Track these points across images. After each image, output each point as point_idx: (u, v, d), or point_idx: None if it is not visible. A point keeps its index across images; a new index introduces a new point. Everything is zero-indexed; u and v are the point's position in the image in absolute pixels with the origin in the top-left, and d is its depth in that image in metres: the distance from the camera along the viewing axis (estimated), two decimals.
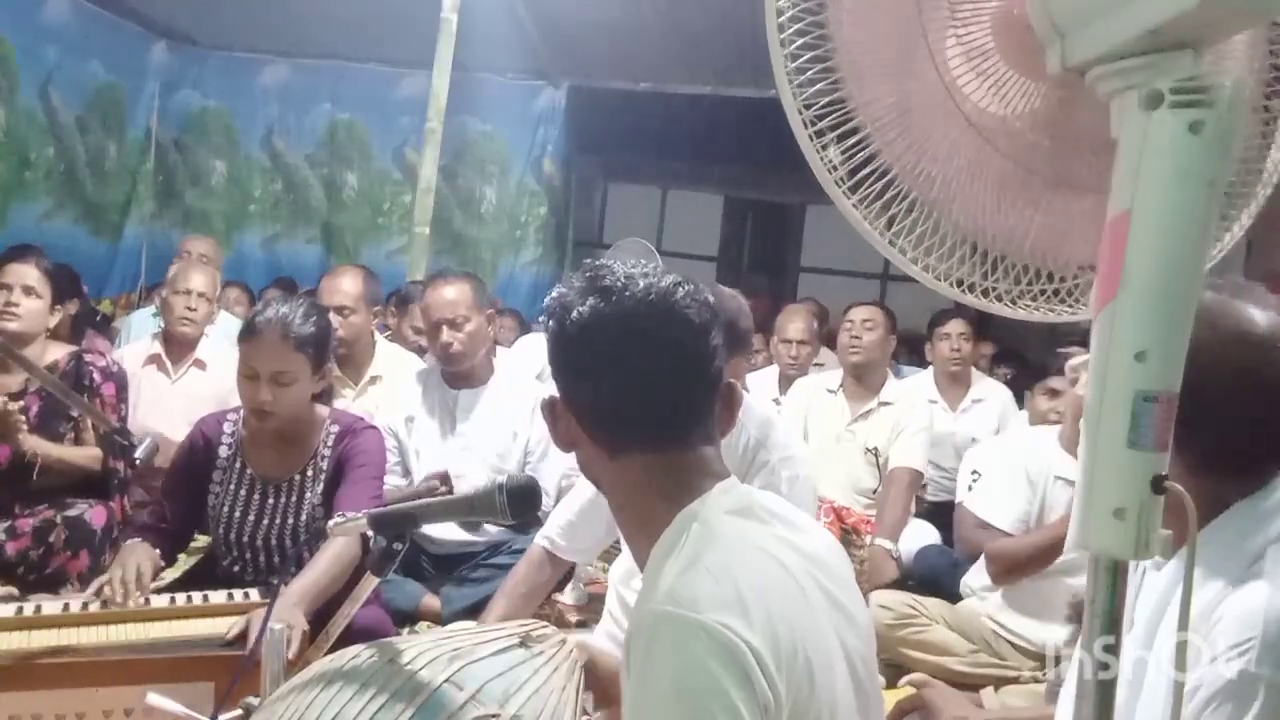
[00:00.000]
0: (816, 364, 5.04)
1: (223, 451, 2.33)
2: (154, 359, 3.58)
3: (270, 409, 2.17)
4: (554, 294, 1.11)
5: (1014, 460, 2.70)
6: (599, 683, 1.33)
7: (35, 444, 2.70)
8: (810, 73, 0.92)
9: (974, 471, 2.97)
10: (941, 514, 3.51)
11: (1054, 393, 3.42)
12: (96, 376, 2.86)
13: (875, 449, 3.61)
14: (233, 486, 2.30)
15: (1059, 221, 0.98)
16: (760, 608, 0.93)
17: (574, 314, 1.05)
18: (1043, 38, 0.86)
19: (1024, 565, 2.52)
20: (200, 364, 3.60)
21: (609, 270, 1.08)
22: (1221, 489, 1.09)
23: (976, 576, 2.77)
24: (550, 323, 1.10)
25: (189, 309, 3.53)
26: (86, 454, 2.83)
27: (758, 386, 4.13)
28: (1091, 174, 0.96)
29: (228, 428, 2.35)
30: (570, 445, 1.12)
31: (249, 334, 2.20)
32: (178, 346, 3.59)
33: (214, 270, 3.83)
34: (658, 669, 0.91)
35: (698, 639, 0.90)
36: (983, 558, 2.66)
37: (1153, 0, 0.75)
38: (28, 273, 2.78)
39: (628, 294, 1.05)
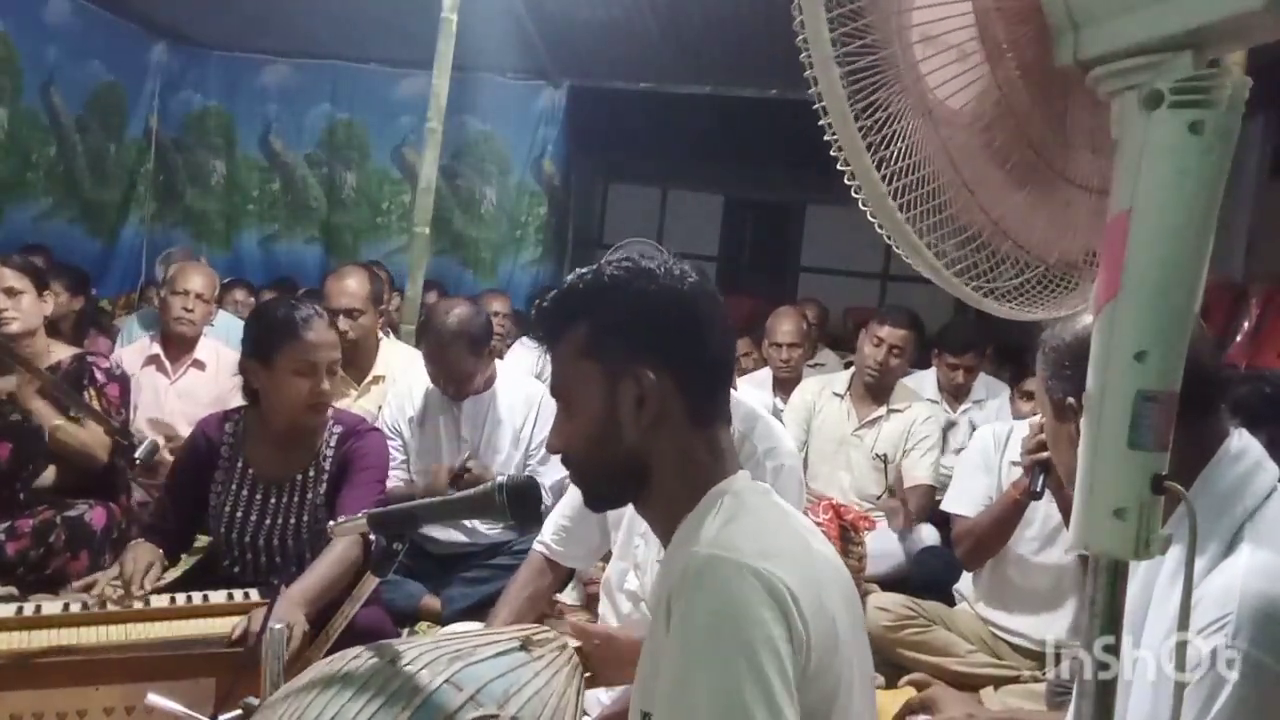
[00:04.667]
0: (817, 364, 5.04)
1: (224, 450, 2.33)
2: (153, 359, 3.58)
3: (327, 399, 2.25)
4: (624, 264, 1.12)
5: (972, 451, 2.76)
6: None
7: (41, 409, 2.69)
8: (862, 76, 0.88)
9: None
10: (943, 516, 3.51)
11: (1030, 395, 3.43)
12: (100, 377, 2.86)
13: (884, 456, 3.61)
14: (234, 486, 2.30)
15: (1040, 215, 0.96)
16: (793, 563, 0.99)
17: (683, 281, 1.10)
18: (1055, 25, 0.84)
19: (984, 539, 2.54)
20: (199, 364, 3.60)
21: (661, 257, 1.14)
22: (1195, 435, 1.13)
23: (966, 582, 2.79)
24: (641, 284, 1.09)
25: (186, 309, 3.53)
26: (96, 437, 2.80)
27: (752, 389, 4.13)
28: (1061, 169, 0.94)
29: (229, 427, 2.35)
30: (656, 419, 1.07)
31: (303, 330, 2.20)
32: (176, 346, 3.59)
33: (212, 271, 3.82)
34: (703, 606, 0.95)
35: (743, 578, 0.95)
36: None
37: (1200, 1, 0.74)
38: (2, 274, 2.78)
39: (700, 273, 1.14)
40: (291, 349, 2.19)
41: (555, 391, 1.15)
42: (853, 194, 0.87)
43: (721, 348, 1.13)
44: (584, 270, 1.14)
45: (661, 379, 1.07)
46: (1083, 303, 1.03)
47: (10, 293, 2.76)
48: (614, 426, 1.08)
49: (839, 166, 0.85)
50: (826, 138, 0.85)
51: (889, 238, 0.87)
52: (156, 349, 3.60)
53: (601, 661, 1.48)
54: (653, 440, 1.08)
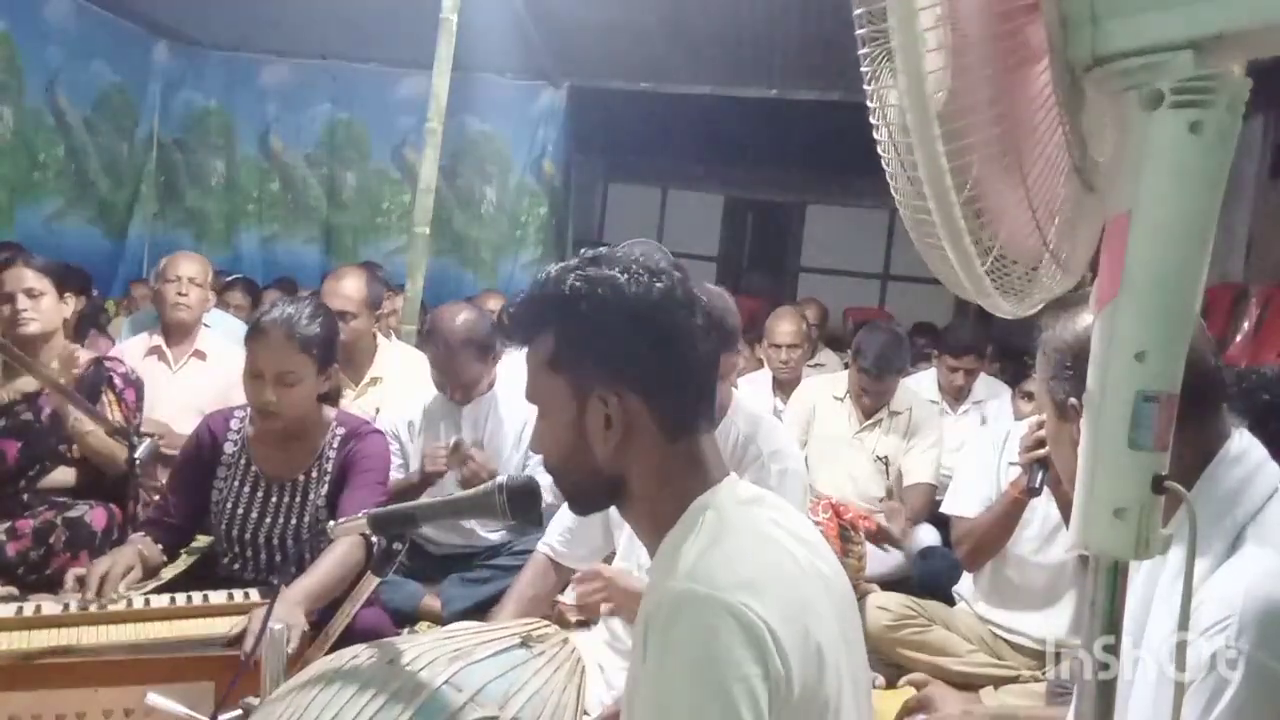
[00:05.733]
0: (817, 364, 5.03)
1: (228, 448, 2.33)
2: (154, 350, 3.58)
3: (275, 409, 2.18)
4: (586, 274, 1.05)
5: (971, 453, 2.76)
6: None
7: (75, 412, 2.69)
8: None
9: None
10: (942, 516, 3.51)
11: (1031, 396, 3.43)
12: (119, 382, 2.88)
13: (885, 458, 3.60)
14: (237, 483, 2.31)
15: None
16: (775, 591, 0.96)
17: (651, 287, 1.04)
18: (1072, 17, 0.81)
19: (985, 539, 2.54)
20: (200, 355, 3.60)
21: (635, 257, 1.08)
22: (1196, 436, 1.14)
23: (965, 583, 2.79)
24: (604, 296, 1.04)
25: (180, 294, 3.53)
26: (115, 445, 2.77)
27: (752, 391, 4.13)
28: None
29: (234, 424, 2.35)
30: (626, 437, 1.05)
31: (255, 333, 2.21)
32: (176, 336, 3.59)
33: (204, 259, 3.82)
34: (679, 643, 0.94)
35: (719, 616, 0.92)
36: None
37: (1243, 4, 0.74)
38: (24, 275, 2.79)
39: (678, 274, 1.08)
40: (248, 350, 2.21)
41: (529, 397, 1.12)
42: (885, 166, 0.83)
43: (698, 354, 1.07)
44: (551, 271, 1.09)
45: (628, 399, 1.04)
46: (1043, 296, 1.00)
47: (30, 294, 2.77)
48: (584, 443, 1.07)
49: (877, 136, 0.82)
50: (871, 101, 0.81)
51: (920, 213, 0.83)
52: (158, 340, 3.61)
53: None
54: (625, 457, 1.06)
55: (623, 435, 1.05)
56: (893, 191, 0.85)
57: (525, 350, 1.12)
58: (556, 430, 1.09)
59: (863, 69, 0.80)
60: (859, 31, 0.78)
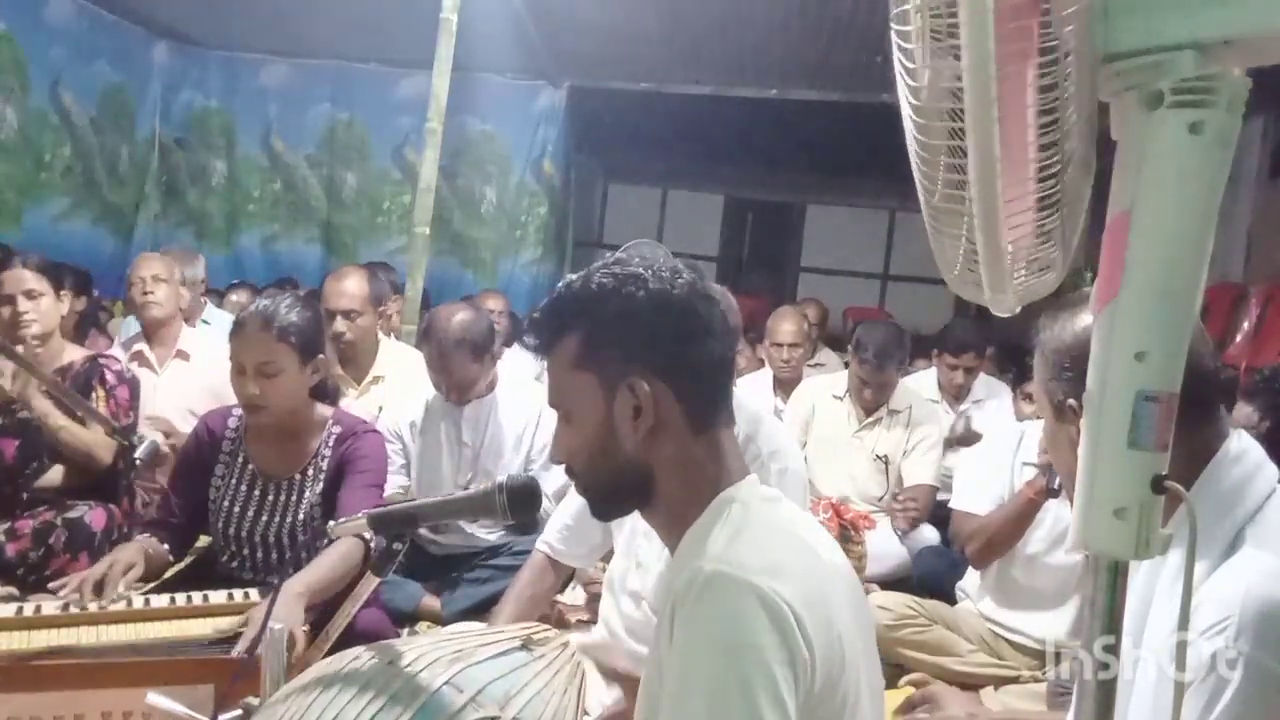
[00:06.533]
0: (817, 364, 5.04)
1: (226, 446, 2.34)
2: (137, 355, 3.59)
3: (259, 402, 2.17)
4: (611, 272, 1.09)
5: (984, 451, 2.76)
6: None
7: (46, 409, 2.70)
8: None
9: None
10: (942, 515, 3.51)
11: (1032, 397, 3.43)
12: (111, 379, 2.88)
13: (885, 457, 3.60)
14: (234, 481, 2.31)
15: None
16: (798, 579, 0.97)
17: (674, 283, 1.08)
18: (1093, 11, 0.80)
19: (996, 538, 2.54)
20: (183, 355, 3.59)
21: (655, 258, 1.13)
22: (1195, 436, 1.15)
23: (970, 580, 2.79)
24: (631, 291, 1.07)
25: (145, 293, 3.53)
26: (100, 439, 2.79)
27: (752, 391, 4.13)
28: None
29: (231, 422, 2.35)
30: (654, 427, 1.06)
31: (234, 329, 2.22)
32: (156, 338, 3.59)
33: (166, 258, 3.80)
34: (705, 623, 0.95)
35: (747, 598, 0.93)
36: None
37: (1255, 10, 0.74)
38: (23, 277, 2.79)
39: (694, 274, 1.12)
40: (230, 347, 2.21)
41: (553, 403, 1.14)
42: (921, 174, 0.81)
43: (718, 349, 1.10)
44: (572, 278, 1.13)
45: (656, 387, 1.06)
46: (1040, 291, 0.99)
47: (30, 295, 2.77)
48: (613, 437, 1.08)
49: (913, 115, 0.80)
50: (913, 80, 0.80)
51: (953, 201, 0.81)
52: (141, 345, 3.61)
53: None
54: (653, 448, 1.07)
55: (651, 425, 1.07)
56: (918, 180, 0.84)
57: (547, 359, 1.13)
58: (584, 429, 1.11)
59: (906, 46, 0.78)
60: (896, 10, 0.77)
